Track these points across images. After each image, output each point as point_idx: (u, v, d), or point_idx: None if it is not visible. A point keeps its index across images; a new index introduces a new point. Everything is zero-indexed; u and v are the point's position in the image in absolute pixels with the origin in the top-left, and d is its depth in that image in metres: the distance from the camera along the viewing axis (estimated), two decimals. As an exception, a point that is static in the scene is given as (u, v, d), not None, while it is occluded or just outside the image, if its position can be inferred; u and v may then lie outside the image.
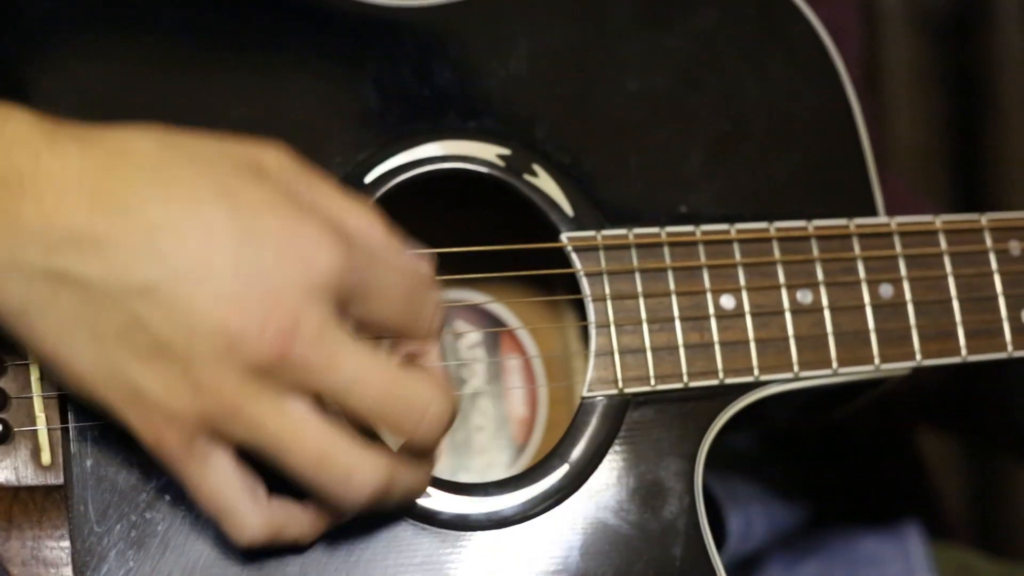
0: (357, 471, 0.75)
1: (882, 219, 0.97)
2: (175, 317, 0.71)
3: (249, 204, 0.73)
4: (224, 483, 0.75)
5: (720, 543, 1.09)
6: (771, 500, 1.15)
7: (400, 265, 0.77)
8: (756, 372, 0.93)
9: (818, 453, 1.24)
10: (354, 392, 0.74)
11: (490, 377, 1.00)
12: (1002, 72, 2.00)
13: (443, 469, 0.98)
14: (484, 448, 1.00)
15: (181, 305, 0.71)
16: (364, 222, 0.78)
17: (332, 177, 0.89)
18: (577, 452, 0.92)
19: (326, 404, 0.75)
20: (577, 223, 0.93)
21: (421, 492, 0.83)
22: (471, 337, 1.00)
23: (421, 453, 0.78)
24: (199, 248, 0.72)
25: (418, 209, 0.94)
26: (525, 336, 1.00)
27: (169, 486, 0.82)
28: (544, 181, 0.94)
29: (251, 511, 0.76)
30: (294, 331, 0.72)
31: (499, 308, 1.00)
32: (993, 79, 2.01)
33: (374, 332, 0.78)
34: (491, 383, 1.00)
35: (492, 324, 0.99)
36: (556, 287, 0.97)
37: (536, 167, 0.93)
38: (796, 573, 1.20)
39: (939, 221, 0.98)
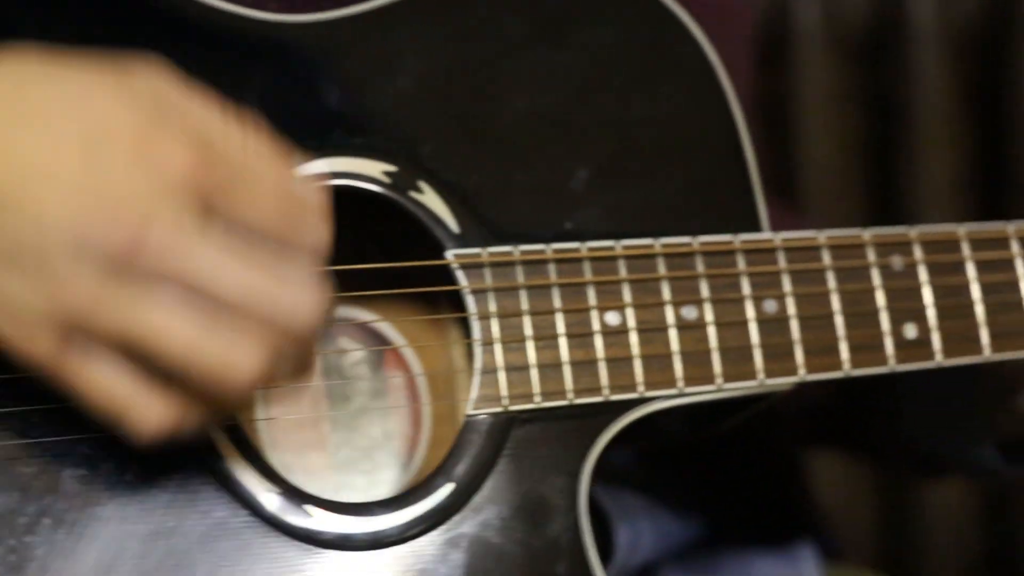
0: (235, 354, 0.75)
1: (767, 235, 0.98)
2: (24, 218, 0.72)
3: (106, 112, 0.74)
4: (113, 378, 0.75)
5: (609, 556, 1.10)
6: (663, 514, 1.15)
7: (274, 171, 0.78)
8: (641, 388, 0.94)
9: (714, 471, 1.25)
10: (221, 278, 0.74)
11: (374, 395, 1.00)
12: (918, 92, 2.03)
13: (326, 488, 0.98)
14: (368, 467, 1.00)
15: (30, 206, 0.72)
16: (236, 129, 0.78)
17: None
18: (461, 470, 0.92)
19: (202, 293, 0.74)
20: (463, 240, 0.93)
21: (309, 374, 0.83)
22: (356, 355, 1.00)
23: (301, 340, 0.78)
24: (48, 150, 0.73)
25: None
26: (410, 354, 1.00)
27: (49, 509, 0.82)
28: (430, 198, 0.94)
29: (150, 400, 0.76)
30: (147, 221, 0.72)
31: (384, 326, 1.00)
32: (909, 100, 2.04)
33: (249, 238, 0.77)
34: (375, 401, 1.00)
35: (377, 342, 0.99)
36: (442, 305, 0.98)
37: (422, 184, 0.94)
38: (685, 592, 1.22)
39: (823, 237, 0.99)
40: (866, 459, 1.38)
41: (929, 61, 2.01)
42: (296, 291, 0.77)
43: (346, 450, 1.01)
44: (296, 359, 0.79)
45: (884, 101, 2.05)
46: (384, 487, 1.00)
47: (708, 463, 1.25)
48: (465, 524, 0.92)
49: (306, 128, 0.93)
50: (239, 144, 0.78)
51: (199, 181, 0.75)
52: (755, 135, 1.96)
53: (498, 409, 0.92)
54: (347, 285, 0.95)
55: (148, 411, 0.76)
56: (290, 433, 0.99)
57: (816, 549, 1.25)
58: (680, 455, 1.23)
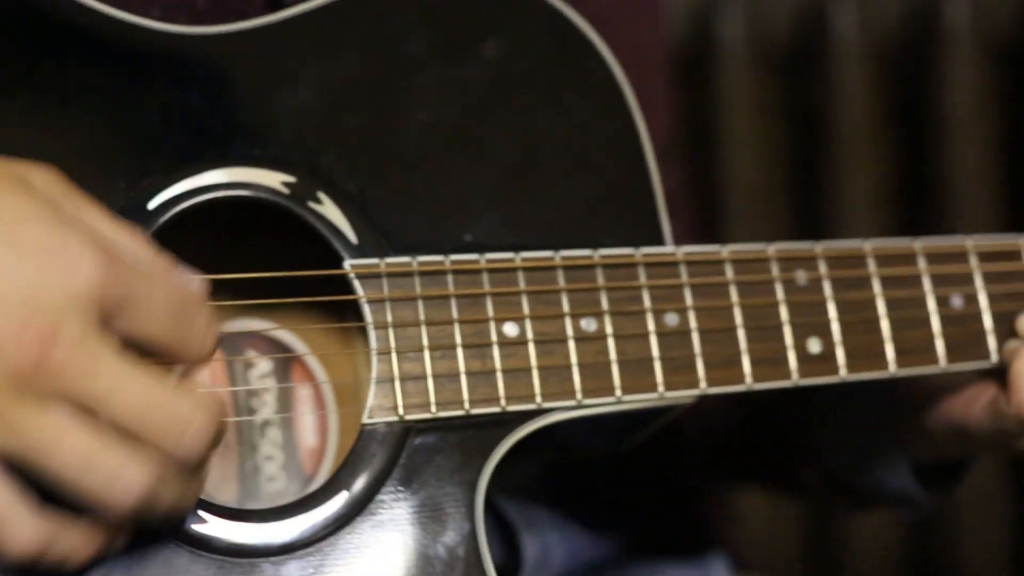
0: (122, 474, 0.75)
1: (669, 248, 0.99)
2: None
3: (12, 213, 0.75)
4: None
5: (517, 569, 1.10)
6: (574, 529, 1.15)
7: (167, 283, 0.79)
8: (538, 399, 0.94)
9: (628, 486, 1.26)
10: (114, 401, 0.75)
11: (280, 406, 1.00)
12: (841, 107, 2.04)
13: (231, 498, 0.99)
14: (273, 477, 1.00)
15: None
16: (129, 240, 0.79)
17: (117, 201, 0.90)
18: (357, 479, 0.92)
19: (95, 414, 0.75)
20: (361, 250, 0.94)
21: (189, 506, 0.84)
22: (262, 366, 1.01)
23: (188, 467, 0.78)
24: None
25: (206, 237, 0.94)
26: (316, 364, 1.01)
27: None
28: (329, 209, 0.95)
29: (21, 519, 0.76)
30: (53, 338, 0.73)
31: (291, 337, 1.00)
32: (832, 114, 2.05)
33: (142, 350, 0.78)
34: (281, 412, 1.00)
35: (284, 353, 0.99)
36: (349, 314, 0.98)
37: (321, 195, 0.94)
38: (598, 603, 1.21)
39: (726, 251, 1.00)
40: (783, 486, 1.37)
41: (852, 75, 2.02)
42: (187, 414, 0.78)
43: (250, 461, 1.01)
44: (184, 479, 0.80)
45: (808, 115, 2.07)
46: (289, 497, 1.00)
47: (621, 479, 1.25)
48: (360, 532, 0.92)
49: (207, 138, 0.94)
50: (133, 253, 0.79)
51: (103, 292, 0.76)
52: (680, 150, 1.98)
53: (394, 418, 0.93)
54: (253, 296, 0.96)
55: (19, 527, 0.77)
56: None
57: (727, 560, 1.25)
58: (593, 470, 1.23)
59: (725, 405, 1.22)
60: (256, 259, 0.96)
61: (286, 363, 1.02)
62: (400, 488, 0.93)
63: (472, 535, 0.92)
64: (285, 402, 1.02)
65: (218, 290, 0.92)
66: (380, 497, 0.93)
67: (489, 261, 0.96)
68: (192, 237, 0.93)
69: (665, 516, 1.28)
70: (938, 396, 1.10)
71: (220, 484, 1.00)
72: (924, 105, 2.06)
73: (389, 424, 0.93)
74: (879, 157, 2.08)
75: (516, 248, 0.96)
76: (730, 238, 1.92)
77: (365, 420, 0.93)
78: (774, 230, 2.10)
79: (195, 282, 0.81)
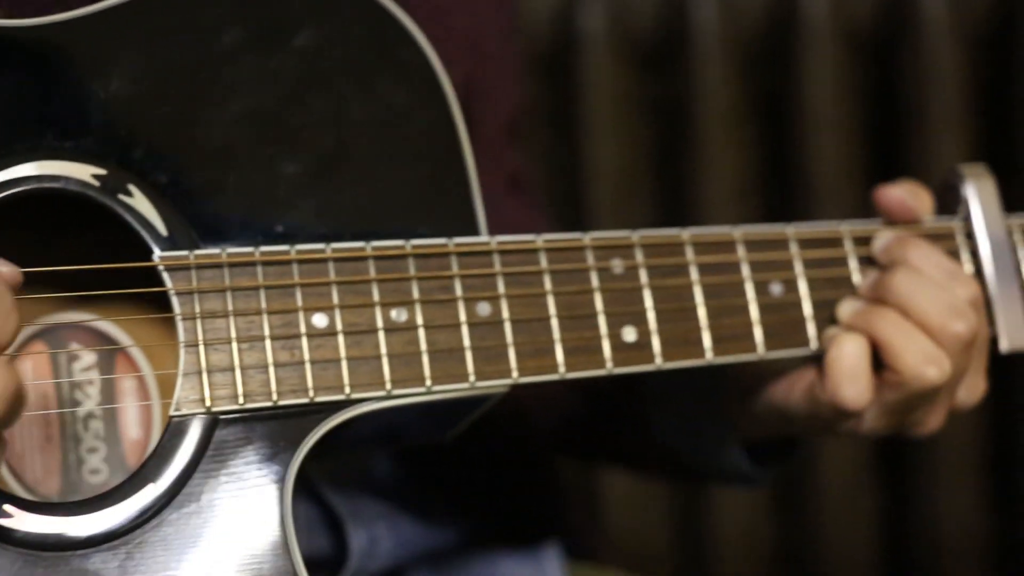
0: None
1: (482, 238, 1.00)
2: None
3: None
4: None
5: (344, 560, 1.11)
6: (405, 521, 1.17)
7: None
8: (347, 390, 0.95)
9: (464, 477, 1.27)
10: None
11: (104, 399, 1.01)
12: (704, 97, 2.07)
13: (53, 491, 0.99)
14: (97, 470, 1.01)
15: None
16: None
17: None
18: (164, 471, 0.93)
19: None
20: (171, 242, 0.95)
21: None
22: (86, 359, 1.01)
23: None
24: None
25: (19, 230, 0.95)
26: (140, 356, 1.02)
27: None
28: (139, 201, 0.95)
29: None
30: None
31: (116, 330, 1.01)
32: (695, 104, 2.07)
33: None
34: (105, 404, 1.01)
35: (108, 345, 1.00)
36: (168, 306, 0.99)
37: (131, 187, 0.95)
38: (433, 593, 1.23)
39: (541, 240, 1.01)
40: (623, 466, 1.39)
41: (713, 67, 2.05)
42: None
43: (75, 453, 1.02)
44: None
45: (670, 106, 2.09)
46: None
47: (457, 470, 1.26)
48: (168, 524, 0.93)
49: (19, 131, 0.95)
50: None
51: None
52: (542, 142, 2.00)
53: (201, 410, 0.94)
54: (65, 287, 0.97)
55: None
56: (18, 436, 1.00)
57: (561, 549, 1.27)
58: (428, 460, 1.25)
59: (566, 390, 1.24)
60: (76, 252, 0.97)
61: (111, 355, 1.02)
62: (208, 480, 0.94)
63: (281, 526, 0.93)
64: (109, 394, 1.02)
65: (35, 283, 0.93)
66: (188, 489, 0.94)
67: (299, 252, 0.97)
68: (6, 231, 0.94)
69: (504, 507, 1.30)
70: (763, 380, 1.12)
71: (43, 477, 1.01)
72: (785, 96, 2.09)
73: (197, 416, 0.94)
74: (741, 147, 2.11)
75: (328, 239, 0.97)
76: (595, 229, 1.95)
77: (172, 412, 0.94)
78: (638, 221, 2.10)
79: None
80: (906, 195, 1.10)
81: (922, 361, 1.02)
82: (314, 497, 1.10)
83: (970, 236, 1.13)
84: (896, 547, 2.18)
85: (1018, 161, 2.06)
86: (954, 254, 1.12)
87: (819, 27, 2.04)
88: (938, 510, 2.12)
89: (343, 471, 1.12)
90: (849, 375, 1.02)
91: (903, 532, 2.17)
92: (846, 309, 1.06)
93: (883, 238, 1.08)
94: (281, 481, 0.94)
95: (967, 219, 1.13)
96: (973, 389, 1.10)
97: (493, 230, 1.02)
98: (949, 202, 1.15)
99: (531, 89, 1.99)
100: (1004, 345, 1.11)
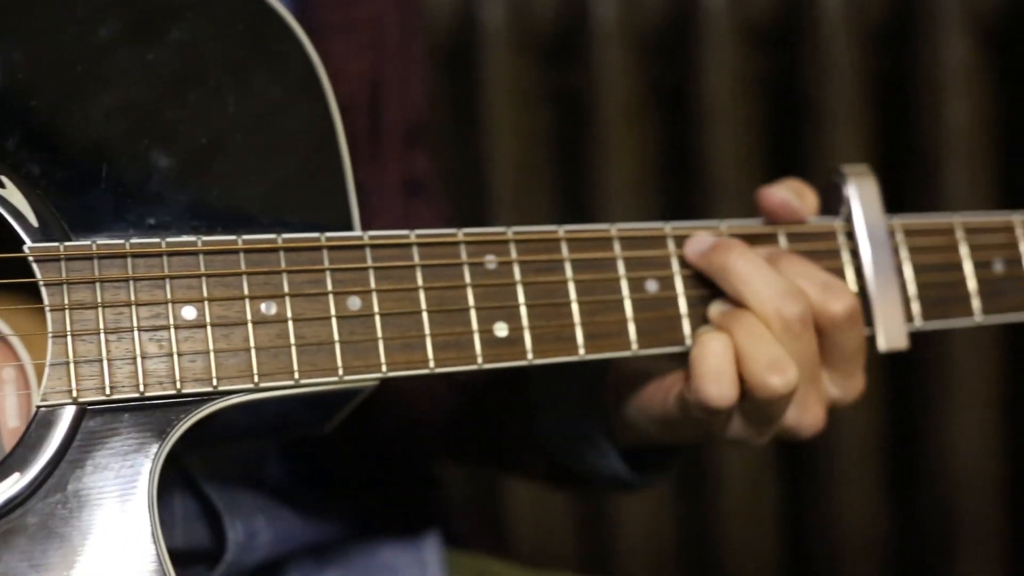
0: None
1: (355, 233, 1.02)
2: None
3: None
4: None
5: (222, 553, 1.13)
6: (283, 512, 1.18)
7: None
8: (215, 382, 0.97)
9: (344, 468, 1.29)
10: None
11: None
12: (604, 90, 2.09)
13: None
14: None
15: None
16: None
17: None
18: (31, 461, 0.95)
19: None
20: (42, 234, 0.96)
21: None
22: (-39, 350, 1.03)
23: None
24: None
25: None
26: (19, 345, 1.03)
27: None
28: (11, 192, 0.97)
29: None
30: None
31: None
32: (595, 97, 2.09)
33: None
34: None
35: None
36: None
37: (3, 178, 0.97)
38: (315, 583, 1.25)
39: (413, 235, 1.03)
40: (506, 469, 1.41)
41: (613, 60, 2.07)
42: None
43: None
44: None
45: (571, 99, 2.11)
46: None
47: (339, 463, 1.28)
48: (34, 515, 0.94)
49: None
50: None
51: None
52: (443, 134, 2.01)
53: (68, 400, 0.95)
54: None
55: None
56: None
57: (439, 537, 1.29)
58: (310, 455, 1.26)
59: (451, 391, 1.26)
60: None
61: (-12, 345, 1.04)
62: (75, 470, 0.95)
63: (147, 516, 0.95)
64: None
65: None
66: (54, 479, 0.95)
67: (170, 244, 0.98)
68: None
69: (385, 498, 1.31)
70: (642, 383, 1.14)
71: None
72: (684, 88, 2.12)
73: (64, 406, 0.95)
74: (641, 139, 2.14)
75: (200, 232, 0.99)
76: (495, 222, 1.98)
77: (39, 402, 0.95)
78: (539, 212, 2.15)
79: None
80: (789, 195, 1.12)
81: (765, 368, 1.04)
82: (193, 490, 1.12)
83: (851, 236, 1.14)
84: (796, 543, 2.21)
85: (914, 154, 2.08)
86: (834, 254, 1.14)
87: (718, 20, 2.07)
88: (837, 506, 2.15)
89: (223, 464, 1.13)
90: (712, 374, 1.04)
91: (803, 528, 2.20)
92: (715, 308, 1.08)
93: (699, 240, 1.08)
94: (147, 472, 0.96)
95: (849, 219, 1.15)
96: (850, 387, 1.12)
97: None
98: (832, 202, 1.16)
99: (432, 82, 2.01)
100: (882, 344, 1.13)
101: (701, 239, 1.09)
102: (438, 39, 2.13)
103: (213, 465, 1.13)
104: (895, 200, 2.06)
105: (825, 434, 2.04)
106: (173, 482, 1.11)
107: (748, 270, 1.06)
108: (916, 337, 2.10)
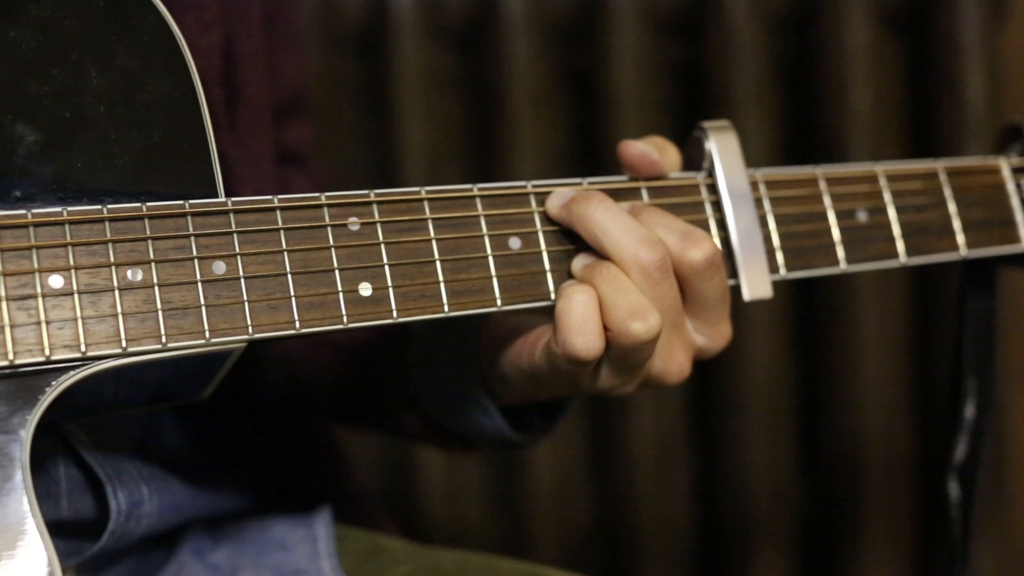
0: None
1: (219, 199, 1.06)
2: None
3: None
4: None
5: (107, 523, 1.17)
6: (172, 482, 1.22)
7: None
8: (83, 348, 1.01)
9: (236, 440, 1.33)
10: None
11: None
12: (513, 77, 2.14)
13: None
14: None
15: None
16: None
17: None
18: (-101, 432, 0.99)
19: None
20: (-90, 208, 1.00)
21: None
22: None
23: None
24: None
25: None
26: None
27: None
28: None
29: None
30: None
31: None
32: (504, 84, 2.15)
33: None
34: None
35: None
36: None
37: None
38: (206, 558, 1.28)
39: (277, 200, 1.07)
40: (386, 429, 1.46)
41: (522, 46, 2.13)
42: None
43: None
44: None
45: (480, 86, 2.17)
46: None
47: (231, 435, 1.32)
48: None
49: None
50: None
51: None
52: (357, 118, 2.05)
53: (-63, 370, 0.99)
54: None
55: None
56: None
57: (331, 513, 1.33)
58: (202, 426, 1.30)
59: (335, 357, 1.30)
60: None
61: None
62: (-54, 438, 0.99)
63: (21, 486, 0.99)
64: None
65: None
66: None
67: (36, 215, 1.02)
68: None
69: (278, 472, 1.35)
70: (512, 339, 1.19)
71: None
72: (593, 75, 2.18)
73: (-66, 376, 0.99)
74: (550, 126, 2.20)
75: (67, 203, 1.03)
76: None
77: (-92, 373, 0.99)
78: None
79: None
80: (649, 148, 1.16)
81: (627, 316, 1.08)
82: (77, 460, 1.16)
83: (714, 189, 1.19)
84: (708, 517, 2.27)
85: (820, 139, 2.15)
86: (698, 207, 1.19)
87: (625, 7, 2.13)
88: (748, 478, 2.21)
89: (107, 434, 1.17)
90: (578, 325, 1.08)
91: (714, 501, 2.26)
92: (578, 262, 1.12)
93: (560, 194, 1.13)
94: (19, 439, 1.00)
95: (711, 173, 1.20)
96: (716, 335, 1.17)
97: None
98: (695, 158, 1.21)
99: (343, 67, 2.07)
100: (746, 294, 1.19)
101: (562, 192, 1.13)
102: (348, 26, 2.18)
103: (96, 435, 1.16)
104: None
105: (734, 405, 2.12)
106: (57, 452, 1.15)
107: (608, 218, 1.11)
108: (822, 306, 2.18)
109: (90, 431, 1.18)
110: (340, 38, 2.19)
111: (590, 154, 2.21)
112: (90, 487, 1.17)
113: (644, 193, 1.19)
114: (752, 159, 1.85)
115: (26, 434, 1.01)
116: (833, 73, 2.13)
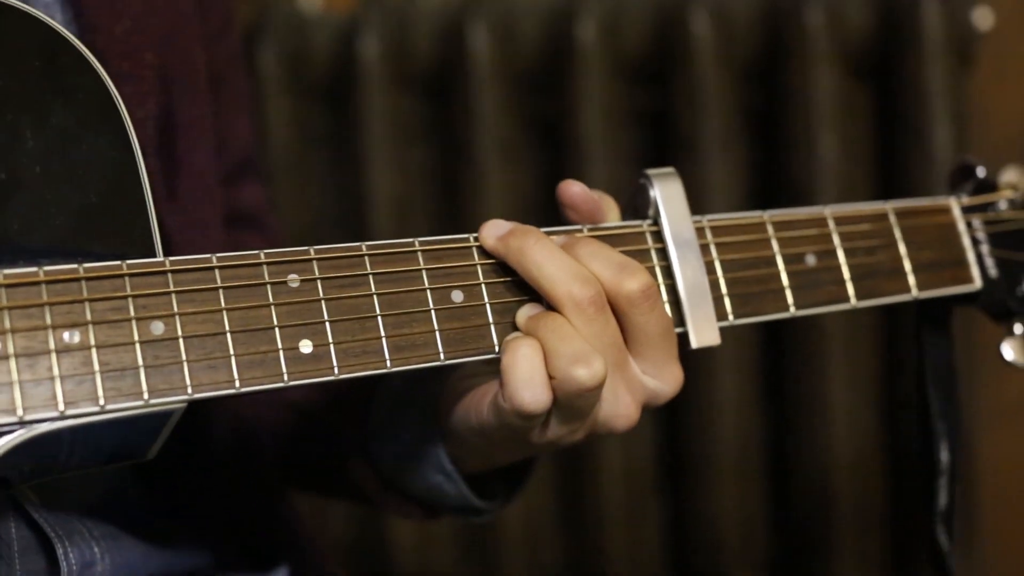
0: None
1: (157, 259, 1.09)
2: None
3: None
4: None
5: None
6: (125, 541, 1.24)
7: None
8: (20, 412, 1.03)
9: (190, 498, 1.35)
10: None
11: None
12: (479, 125, 2.18)
13: None
14: None
15: None
16: None
17: None
18: None
19: None
20: None
21: None
22: None
23: None
24: None
25: None
26: None
27: None
28: None
29: None
30: None
31: None
32: (471, 132, 2.19)
33: None
34: None
35: None
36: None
37: None
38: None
39: (215, 258, 1.10)
40: (346, 491, 1.48)
41: (489, 94, 2.18)
42: None
43: None
44: None
45: (447, 134, 2.21)
46: None
47: (184, 493, 1.34)
48: None
49: None
50: None
51: None
52: (324, 167, 2.09)
53: None
54: None
55: None
56: None
57: (289, 571, 1.35)
58: (154, 484, 1.32)
59: (293, 419, 1.33)
60: None
61: None
62: None
63: None
64: None
65: None
66: None
67: (-29, 280, 1.04)
68: None
69: (233, 530, 1.37)
70: (460, 400, 1.21)
71: None
72: (560, 123, 2.22)
73: None
74: (517, 173, 2.25)
75: (3, 265, 1.06)
76: None
77: None
78: None
79: None
80: (587, 190, 1.19)
81: (571, 363, 1.10)
82: (28, 520, 1.18)
83: (659, 236, 1.22)
84: (677, 546, 2.29)
85: (787, 187, 2.19)
86: (644, 254, 1.22)
87: (592, 55, 2.18)
88: (716, 505, 2.23)
89: (57, 493, 1.19)
90: (524, 379, 1.11)
91: (683, 530, 2.28)
92: (522, 314, 1.15)
93: (497, 225, 1.16)
94: (-44, 503, 1.02)
95: (656, 220, 1.23)
96: (666, 377, 1.18)
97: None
98: (640, 206, 1.24)
99: (310, 116, 2.11)
100: (694, 342, 1.21)
101: (499, 224, 1.16)
102: (315, 74, 2.22)
103: (46, 494, 1.18)
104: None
105: (703, 434, 2.14)
106: (7, 513, 1.17)
107: (543, 255, 1.13)
108: (789, 337, 2.21)
109: (40, 491, 1.19)
110: (307, 87, 2.23)
111: (557, 202, 2.24)
112: (42, 547, 1.19)
113: (587, 241, 1.21)
114: (718, 206, 1.89)
115: (-39, 499, 1.03)
116: (800, 121, 2.17)
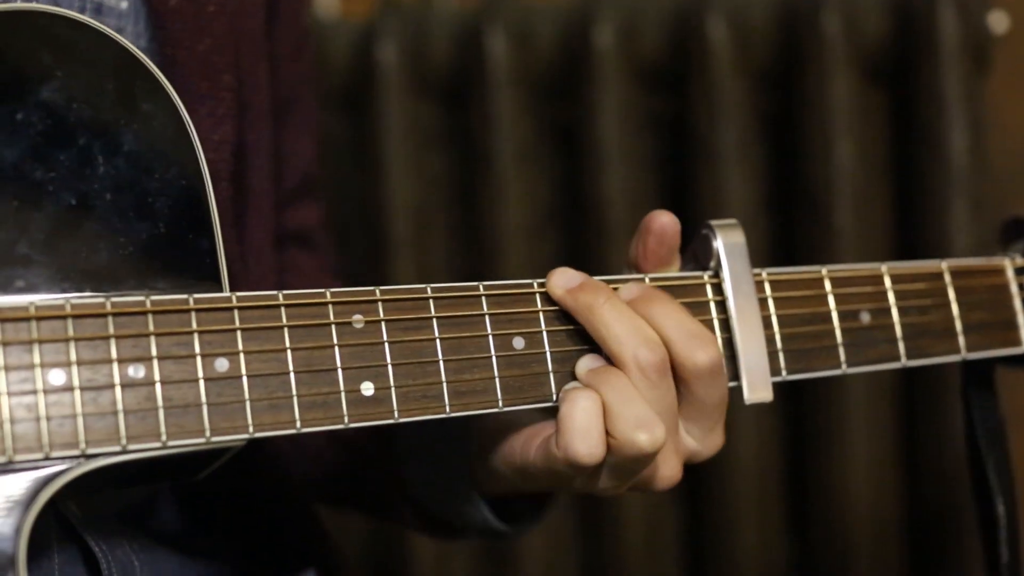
0: None
1: (223, 295, 1.10)
2: None
3: None
4: None
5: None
6: (161, 553, 1.25)
7: None
8: (83, 446, 1.05)
9: (221, 512, 1.37)
10: None
11: None
12: (497, 132, 2.20)
13: None
14: None
15: None
16: None
17: None
18: None
19: None
20: (-92, 298, 1.03)
21: None
22: None
23: None
24: None
25: None
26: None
27: None
28: None
29: None
30: None
31: None
32: (490, 139, 2.20)
33: None
34: None
35: None
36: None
37: None
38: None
39: (282, 296, 1.11)
40: (383, 518, 1.50)
41: (508, 101, 2.19)
42: None
43: None
44: None
45: (466, 142, 2.22)
46: None
47: (216, 507, 1.36)
48: None
49: None
50: None
51: None
52: (343, 174, 2.11)
53: (-65, 466, 1.03)
54: None
55: None
56: None
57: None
58: (188, 498, 1.34)
59: (328, 445, 1.35)
60: None
61: None
62: (-59, 536, 1.03)
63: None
64: None
65: None
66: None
67: (39, 308, 1.05)
68: None
69: (262, 543, 1.40)
70: (504, 435, 1.23)
71: None
72: (577, 130, 2.23)
73: (-71, 471, 1.03)
74: (536, 180, 2.26)
75: (69, 293, 1.07)
76: (392, 265, 2.09)
77: (-95, 467, 1.03)
78: (435, 256, 2.25)
79: None
80: (676, 222, 1.21)
81: (634, 427, 1.12)
82: (71, 536, 1.19)
83: (719, 289, 1.24)
84: (696, 570, 2.32)
85: (804, 192, 2.20)
86: (703, 306, 1.24)
87: (609, 62, 2.18)
88: (735, 542, 2.26)
89: (100, 509, 1.20)
90: (581, 431, 1.13)
91: (702, 564, 2.31)
92: (582, 365, 1.17)
93: (567, 276, 1.17)
94: (15, 536, 1.03)
95: (717, 272, 1.25)
96: (709, 441, 1.21)
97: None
98: (702, 256, 1.26)
99: (328, 124, 2.12)
100: (748, 397, 1.23)
101: (568, 275, 1.17)
102: (334, 81, 2.23)
103: (89, 510, 1.20)
104: (785, 238, 2.21)
105: (723, 470, 2.17)
106: (51, 527, 1.18)
107: (612, 315, 1.15)
108: (810, 393, 2.23)
109: (82, 504, 1.21)
110: (325, 94, 2.23)
111: (575, 207, 2.26)
112: (82, 560, 1.20)
113: (648, 292, 1.23)
114: (734, 211, 1.91)
115: (23, 532, 1.04)
116: (816, 126, 2.18)
